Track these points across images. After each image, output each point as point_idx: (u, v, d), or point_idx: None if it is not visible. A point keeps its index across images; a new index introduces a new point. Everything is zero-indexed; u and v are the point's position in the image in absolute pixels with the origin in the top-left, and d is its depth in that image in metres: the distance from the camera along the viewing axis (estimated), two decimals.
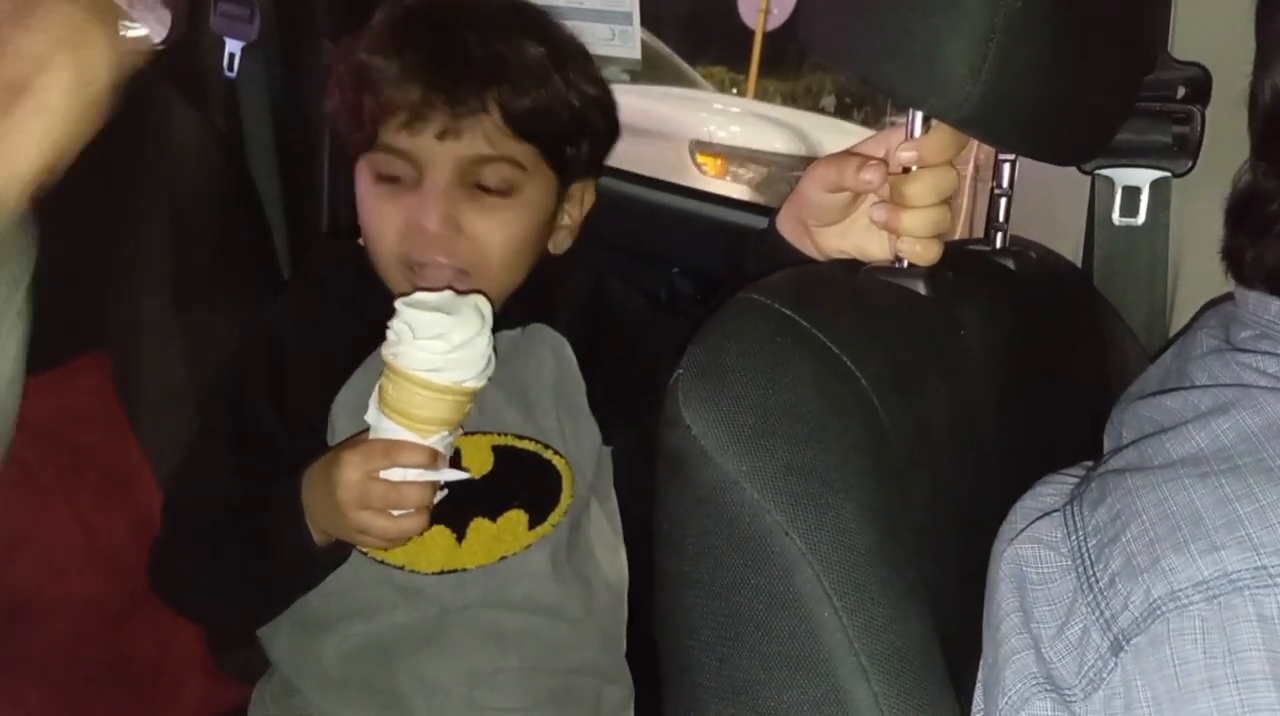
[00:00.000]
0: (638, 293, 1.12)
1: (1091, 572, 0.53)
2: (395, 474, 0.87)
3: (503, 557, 1.03)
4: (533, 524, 1.03)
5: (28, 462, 1.11)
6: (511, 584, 1.03)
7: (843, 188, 0.75)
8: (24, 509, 1.10)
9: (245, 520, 0.97)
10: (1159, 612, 0.50)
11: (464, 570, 1.02)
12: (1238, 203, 0.66)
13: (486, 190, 0.97)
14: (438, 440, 0.87)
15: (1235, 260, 0.66)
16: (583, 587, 1.07)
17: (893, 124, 0.72)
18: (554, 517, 1.04)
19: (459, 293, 0.90)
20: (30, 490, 1.11)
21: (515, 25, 1.00)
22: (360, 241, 1.02)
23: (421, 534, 0.91)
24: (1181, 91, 0.93)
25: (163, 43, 1.65)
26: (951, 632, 0.59)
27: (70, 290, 1.15)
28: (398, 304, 0.87)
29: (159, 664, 1.20)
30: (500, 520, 1.02)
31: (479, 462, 1.01)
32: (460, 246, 0.96)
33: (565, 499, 1.04)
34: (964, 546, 0.62)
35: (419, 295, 0.88)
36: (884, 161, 0.73)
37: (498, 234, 0.97)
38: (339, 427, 1.00)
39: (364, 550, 0.99)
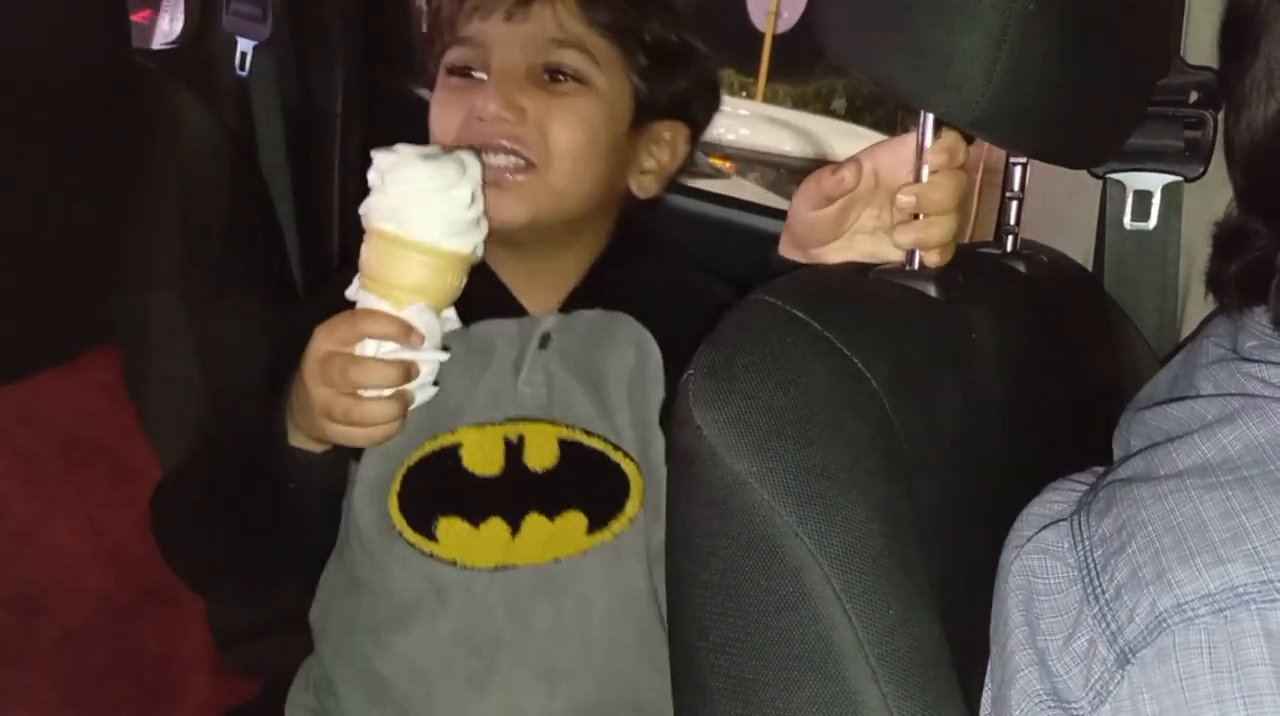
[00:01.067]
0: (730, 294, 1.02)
1: (1098, 583, 0.53)
2: (368, 349, 0.78)
3: (556, 560, 0.96)
4: (592, 528, 0.96)
5: (37, 457, 1.12)
6: (564, 589, 0.96)
7: (826, 198, 0.74)
8: (33, 503, 1.11)
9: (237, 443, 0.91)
10: (1165, 625, 0.50)
11: (515, 567, 0.96)
12: (1225, 237, 0.66)
13: (554, 80, 0.92)
14: (414, 312, 0.78)
15: (1220, 291, 0.66)
16: (643, 612, 0.98)
17: (905, 127, 0.72)
18: (616, 526, 0.96)
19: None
20: (39, 484, 1.12)
21: None
22: None
23: (392, 433, 0.81)
24: (1194, 96, 0.93)
25: (175, 41, 1.66)
26: (960, 634, 0.59)
27: (81, 286, 1.16)
28: (373, 153, 0.79)
29: (166, 659, 1.20)
30: (558, 520, 0.96)
31: (543, 456, 0.96)
32: (526, 133, 0.90)
33: (633, 507, 0.96)
34: (974, 548, 0.62)
35: (400, 145, 0.79)
36: (858, 162, 0.72)
37: (564, 122, 0.91)
38: None
39: (411, 544, 0.94)
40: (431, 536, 0.96)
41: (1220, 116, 0.93)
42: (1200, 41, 0.93)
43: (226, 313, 1.26)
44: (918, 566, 0.57)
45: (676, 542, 0.60)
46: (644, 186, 1.00)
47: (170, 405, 1.23)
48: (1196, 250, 0.97)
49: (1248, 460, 0.54)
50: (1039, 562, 0.57)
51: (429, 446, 0.95)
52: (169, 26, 1.62)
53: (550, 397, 0.95)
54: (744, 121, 4.53)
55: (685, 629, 0.59)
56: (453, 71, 0.94)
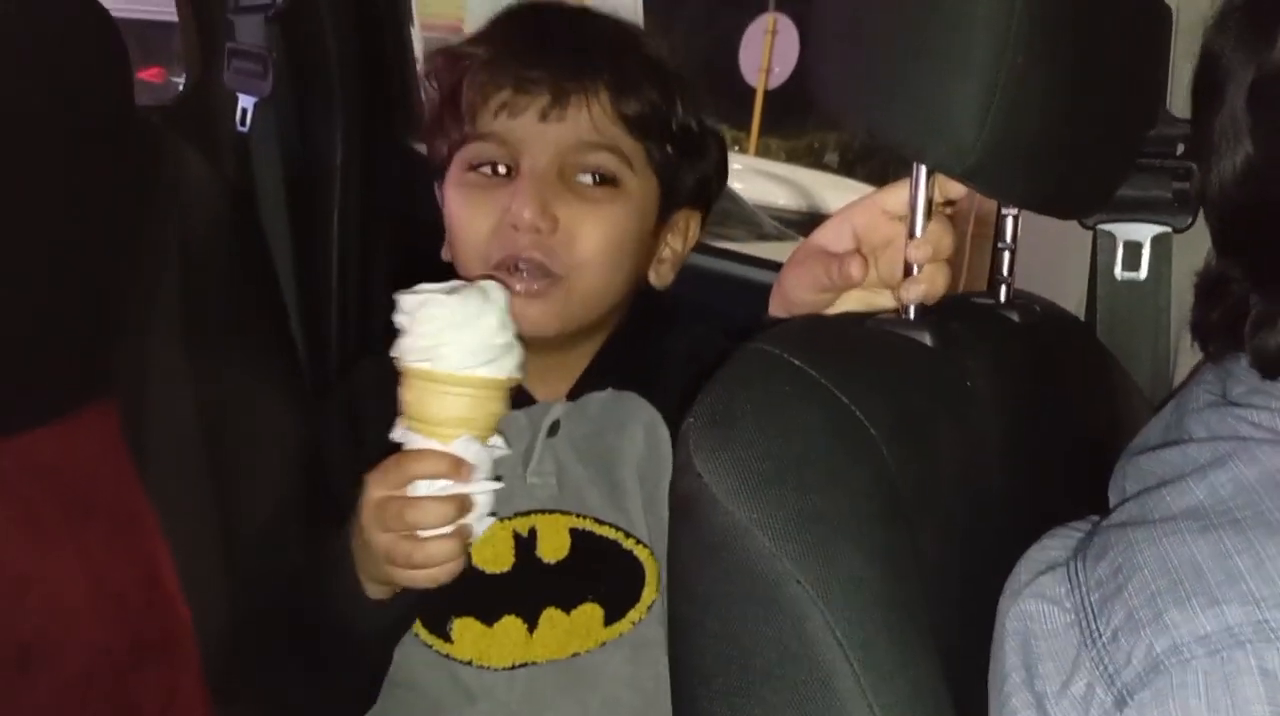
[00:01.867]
0: None
1: (1094, 627, 0.54)
2: (421, 489, 0.78)
3: (575, 655, 0.93)
4: (609, 620, 0.94)
5: (36, 508, 1.11)
6: (588, 685, 0.94)
7: (832, 286, 0.74)
8: (31, 554, 1.10)
9: (307, 587, 0.89)
10: (1162, 667, 0.50)
11: (535, 664, 0.93)
12: (1205, 283, 0.68)
13: (586, 183, 0.89)
14: (460, 445, 0.78)
15: (1202, 338, 0.67)
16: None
17: (896, 179, 0.74)
18: (633, 615, 0.94)
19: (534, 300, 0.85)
20: (38, 536, 1.11)
21: (630, 27, 0.95)
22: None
23: (456, 571, 0.81)
24: (1180, 148, 0.95)
25: (177, 96, 1.68)
26: (960, 678, 0.59)
27: (80, 339, 1.16)
28: (395, 295, 0.79)
29: (163, 713, 1.19)
30: (574, 613, 0.93)
31: (555, 546, 0.93)
32: (555, 243, 0.88)
33: (649, 595, 0.94)
34: (972, 594, 0.62)
35: (421, 285, 0.80)
36: (860, 255, 0.73)
37: (596, 231, 0.89)
38: None
39: (429, 646, 0.92)
40: (447, 637, 0.94)
41: None
42: (1186, 94, 0.95)
43: (225, 366, 1.26)
44: (917, 612, 0.57)
45: (677, 589, 0.60)
46: (661, 275, 0.99)
47: (168, 458, 1.23)
48: (1187, 299, 0.97)
49: (1240, 502, 0.55)
50: (1036, 607, 0.58)
51: None
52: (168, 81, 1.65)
53: (560, 486, 0.93)
54: (737, 175, 4.58)
55: (687, 676, 0.59)
56: (474, 167, 0.91)
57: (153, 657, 1.14)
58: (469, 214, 0.91)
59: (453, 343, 0.77)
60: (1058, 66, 0.64)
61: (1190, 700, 0.49)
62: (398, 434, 0.80)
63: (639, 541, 0.94)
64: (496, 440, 0.81)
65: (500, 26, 0.93)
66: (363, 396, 1.00)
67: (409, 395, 0.79)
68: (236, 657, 0.99)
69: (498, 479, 0.82)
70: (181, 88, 1.69)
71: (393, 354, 0.80)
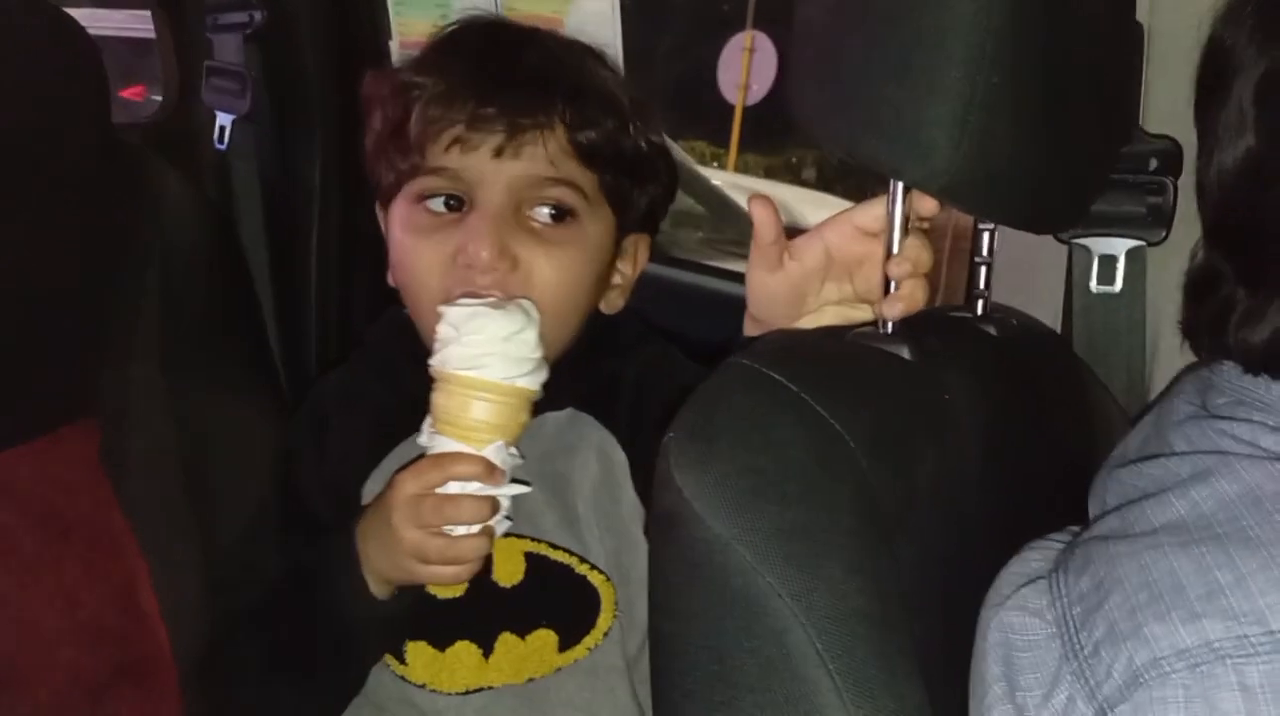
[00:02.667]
0: (696, 366, 0.97)
1: (1076, 640, 0.54)
2: (452, 488, 0.81)
3: (531, 680, 0.93)
4: (564, 646, 0.93)
5: (12, 530, 1.10)
6: (543, 712, 0.93)
7: (768, 244, 0.74)
8: (9, 575, 1.09)
9: (296, 587, 0.89)
10: (1142, 681, 0.50)
11: (490, 689, 0.93)
12: (1193, 280, 0.68)
13: (542, 221, 0.88)
14: (493, 451, 0.81)
15: (1193, 337, 0.68)
16: None
17: (874, 195, 0.74)
18: (589, 641, 0.93)
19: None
20: (14, 557, 1.10)
21: (579, 50, 0.93)
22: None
23: (476, 570, 0.83)
24: (1154, 163, 0.96)
25: (155, 115, 1.67)
26: (942, 690, 0.59)
27: (59, 358, 1.16)
28: (440, 308, 0.82)
29: None
30: (529, 638, 0.92)
31: (510, 570, 0.92)
32: (513, 283, 0.87)
33: (604, 621, 0.93)
34: (953, 606, 0.63)
35: (462, 299, 0.84)
36: (761, 196, 0.74)
37: (555, 271, 0.88)
38: None
39: (387, 664, 0.92)
40: (401, 659, 0.94)
41: (1179, 183, 0.95)
42: (1159, 111, 0.96)
43: (204, 385, 1.26)
44: (899, 624, 0.58)
45: (659, 606, 0.60)
46: (611, 302, 0.98)
47: (147, 478, 1.22)
48: (1161, 312, 0.99)
49: (1221, 517, 0.55)
50: (1018, 619, 0.58)
51: None
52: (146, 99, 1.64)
53: (515, 509, 0.91)
54: None
55: (670, 691, 0.59)
56: (422, 199, 0.89)
57: (130, 680, 1.12)
58: (420, 249, 0.89)
59: (498, 353, 0.81)
60: (1032, 85, 0.65)
61: (1170, 713, 0.49)
62: (424, 439, 0.83)
63: (593, 567, 0.93)
64: (514, 450, 0.85)
65: (448, 54, 0.91)
66: (328, 407, 1.00)
67: (449, 401, 0.82)
68: (212, 673, 0.98)
69: (526, 484, 0.86)
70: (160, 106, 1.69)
71: (434, 363, 0.82)
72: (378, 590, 0.86)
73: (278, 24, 1.51)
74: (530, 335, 0.82)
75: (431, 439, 0.83)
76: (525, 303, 0.84)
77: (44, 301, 1.12)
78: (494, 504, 0.82)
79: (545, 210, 0.89)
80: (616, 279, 0.97)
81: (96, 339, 1.19)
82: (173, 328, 1.23)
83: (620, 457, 0.94)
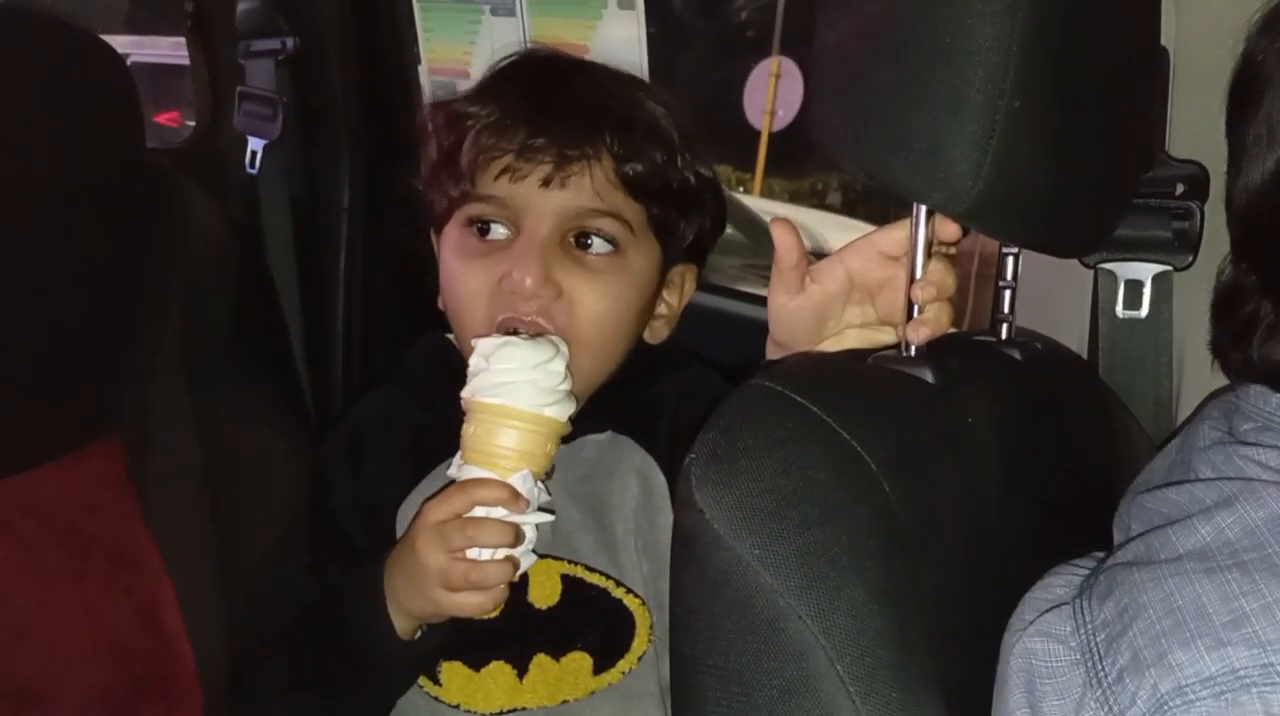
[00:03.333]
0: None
1: (1100, 667, 0.54)
2: (478, 513, 0.82)
3: (565, 701, 0.93)
4: (598, 669, 0.93)
5: (37, 546, 1.11)
6: None
7: (791, 269, 0.75)
8: (32, 593, 1.10)
9: (324, 616, 0.90)
10: (1166, 708, 0.50)
11: (524, 710, 0.93)
12: (1221, 298, 0.68)
13: (587, 252, 0.89)
14: (518, 479, 0.82)
15: (1222, 355, 0.67)
16: None
17: (897, 218, 0.74)
18: (623, 665, 0.93)
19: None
20: (39, 574, 1.11)
21: (630, 83, 0.94)
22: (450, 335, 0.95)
23: (500, 599, 0.83)
24: (1180, 188, 0.95)
25: (188, 139, 1.70)
26: (962, 715, 0.59)
27: (86, 376, 1.17)
28: (473, 341, 0.84)
29: None
30: (564, 660, 0.93)
31: (546, 591, 0.93)
32: (557, 311, 0.88)
33: (639, 646, 0.93)
34: (975, 631, 0.62)
35: (494, 334, 0.86)
36: (784, 221, 0.74)
37: (599, 301, 0.89)
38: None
39: (421, 686, 0.93)
40: (435, 680, 0.94)
41: (1205, 208, 0.95)
42: (1184, 136, 0.96)
43: (230, 406, 1.27)
44: (920, 648, 0.57)
45: (680, 627, 0.60)
46: (656, 332, 0.98)
47: (171, 497, 1.23)
48: (1188, 337, 0.98)
49: (1245, 543, 0.54)
50: (1041, 645, 0.57)
51: None
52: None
53: (553, 531, 0.93)
54: None
55: (689, 713, 0.59)
56: (472, 224, 0.91)
57: (153, 698, 1.13)
58: (468, 274, 0.91)
59: (526, 382, 0.82)
60: (1053, 109, 0.65)
61: None
62: (453, 470, 0.84)
63: (629, 591, 0.93)
64: (542, 484, 0.85)
65: (502, 85, 0.92)
66: (365, 429, 1.00)
67: (478, 429, 0.83)
68: (238, 694, 0.98)
69: (551, 512, 0.87)
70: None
71: (464, 394, 0.83)
72: (404, 628, 0.86)
73: (309, 50, 1.54)
74: (558, 366, 0.83)
75: (460, 469, 0.84)
76: (555, 337, 0.86)
77: (71, 321, 1.14)
78: (518, 530, 0.83)
79: (591, 241, 0.90)
80: (662, 309, 0.98)
81: (122, 358, 1.20)
82: (199, 348, 1.25)
83: (660, 481, 0.94)
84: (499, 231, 0.90)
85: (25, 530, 1.11)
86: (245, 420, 1.28)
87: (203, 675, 1.18)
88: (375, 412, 1.01)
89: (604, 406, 0.94)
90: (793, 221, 0.76)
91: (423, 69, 1.63)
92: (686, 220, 0.95)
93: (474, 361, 0.84)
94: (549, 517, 0.86)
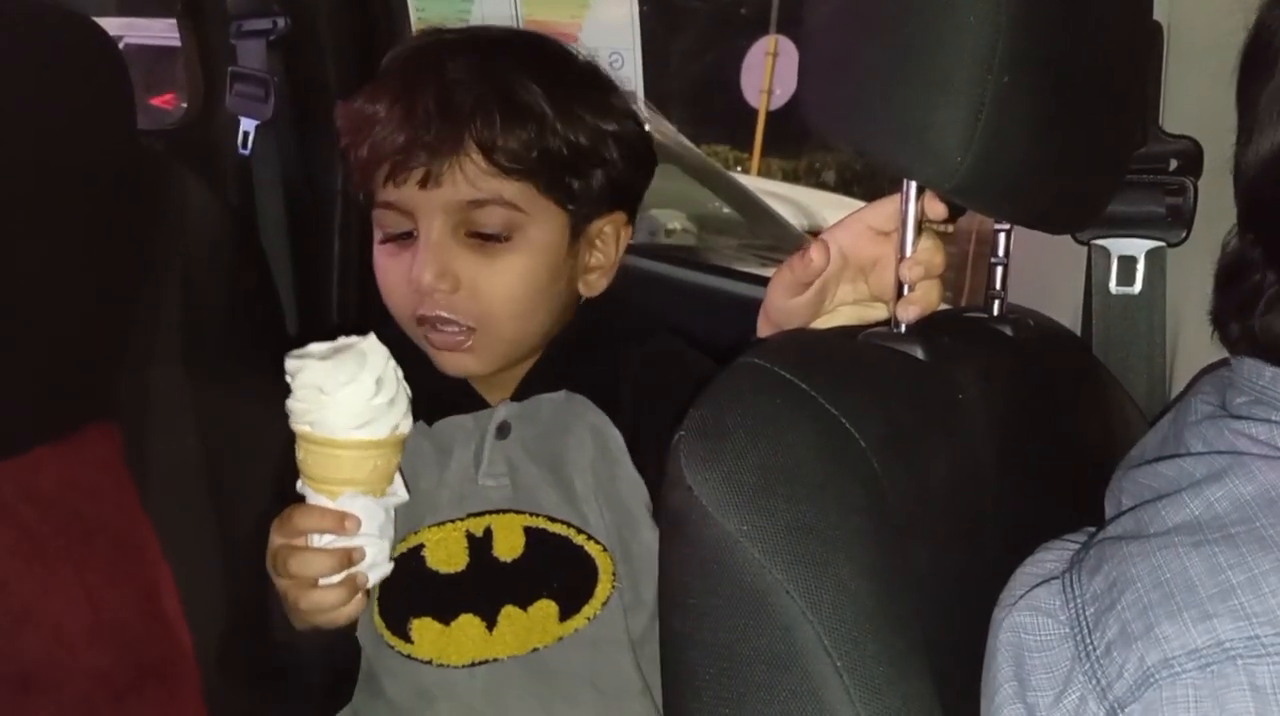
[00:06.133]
0: (706, 358, 0.99)
1: (1089, 640, 0.54)
2: (315, 541, 0.83)
3: (535, 650, 0.96)
4: (564, 616, 0.96)
5: (37, 532, 1.12)
6: (548, 682, 0.96)
7: (801, 283, 0.75)
8: (32, 578, 1.10)
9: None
10: (1152, 680, 0.50)
11: (496, 660, 0.96)
12: (1225, 268, 0.67)
13: (484, 238, 0.91)
14: (346, 500, 0.82)
15: (1222, 326, 0.67)
16: (636, 707, 0.97)
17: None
18: (588, 611, 0.96)
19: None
20: (39, 560, 1.11)
21: (513, 60, 0.95)
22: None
23: (353, 613, 0.85)
24: (1174, 164, 0.95)
25: (180, 121, 1.69)
26: (951, 691, 0.59)
27: (82, 361, 1.17)
28: (285, 360, 0.83)
29: None
30: (531, 609, 0.96)
31: (510, 544, 0.96)
32: (460, 302, 0.91)
33: (603, 591, 0.96)
34: (964, 608, 0.62)
35: (309, 347, 0.84)
36: (823, 241, 0.74)
37: (500, 283, 0.92)
38: None
39: (392, 646, 0.97)
40: (407, 638, 0.97)
41: (1199, 183, 0.95)
42: (1178, 111, 0.95)
43: (227, 389, 1.27)
44: (909, 624, 0.57)
45: (668, 603, 0.61)
46: (591, 285, 0.99)
47: (169, 481, 1.23)
48: (1181, 313, 0.98)
49: (1234, 517, 0.55)
50: (1030, 619, 0.58)
51: (398, 549, 0.95)
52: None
53: (515, 487, 0.96)
54: None
55: (678, 690, 0.60)
56: (385, 237, 0.95)
57: (153, 683, 1.14)
58: (385, 279, 0.95)
59: (328, 407, 0.80)
60: (1043, 84, 0.64)
61: (1180, 713, 0.49)
62: (299, 486, 0.85)
63: (590, 537, 0.96)
64: (395, 486, 0.85)
65: (383, 83, 0.94)
66: None
67: (299, 454, 0.83)
68: (228, 670, 1.02)
69: (396, 527, 0.87)
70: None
71: (287, 411, 0.83)
72: (297, 623, 0.88)
73: (300, 30, 1.53)
74: (365, 383, 0.81)
75: (302, 488, 0.84)
76: (367, 344, 0.83)
77: (66, 304, 1.13)
78: (347, 555, 0.83)
79: (482, 230, 0.92)
80: (595, 260, 0.99)
81: (118, 342, 1.20)
82: (194, 331, 1.25)
83: (615, 434, 0.96)
84: (406, 231, 0.93)
85: (25, 515, 1.11)
86: (241, 403, 1.27)
87: (201, 659, 1.19)
88: None
89: (559, 367, 0.97)
90: (828, 243, 0.75)
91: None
92: (584, 177, 0.95)
93: (287, 379, 0.83)
94: (380, 541, 0.85)
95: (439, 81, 0.92)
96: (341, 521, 0.83)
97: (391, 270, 0.94)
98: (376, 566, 0.85)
